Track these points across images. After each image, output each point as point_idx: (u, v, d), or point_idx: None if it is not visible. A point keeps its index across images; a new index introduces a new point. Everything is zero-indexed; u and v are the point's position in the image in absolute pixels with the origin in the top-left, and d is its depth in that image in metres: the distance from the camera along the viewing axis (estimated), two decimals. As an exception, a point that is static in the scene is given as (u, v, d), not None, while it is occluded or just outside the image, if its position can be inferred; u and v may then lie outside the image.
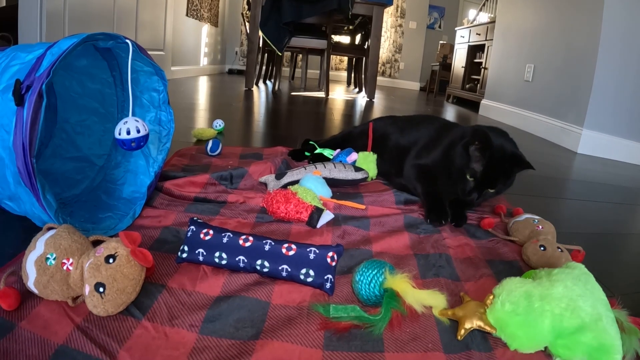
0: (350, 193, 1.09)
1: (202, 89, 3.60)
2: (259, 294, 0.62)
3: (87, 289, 0.53)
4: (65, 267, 0.54)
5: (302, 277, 0.64)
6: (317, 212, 0.87)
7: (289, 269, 0.65)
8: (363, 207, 0.98)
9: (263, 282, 0.66)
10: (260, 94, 3.47)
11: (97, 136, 0.97)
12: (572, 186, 1.64)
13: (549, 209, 1.24)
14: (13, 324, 0.51)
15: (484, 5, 5.14)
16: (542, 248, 0.80)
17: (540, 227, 0.89)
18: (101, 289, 0.52)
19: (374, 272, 0.62)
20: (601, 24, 2.25)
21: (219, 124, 1.72)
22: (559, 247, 0.81)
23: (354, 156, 1.25)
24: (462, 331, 0.58)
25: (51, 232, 0.57)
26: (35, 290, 0.54)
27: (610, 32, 2.25)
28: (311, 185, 1.00)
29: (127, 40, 0.74)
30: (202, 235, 0.69)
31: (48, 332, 0.50)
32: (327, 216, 0.90)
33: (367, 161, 1.21)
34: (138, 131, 0.73)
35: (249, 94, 3.29)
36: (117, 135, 0.73)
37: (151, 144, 0.90)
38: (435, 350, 0.55)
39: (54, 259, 0.54)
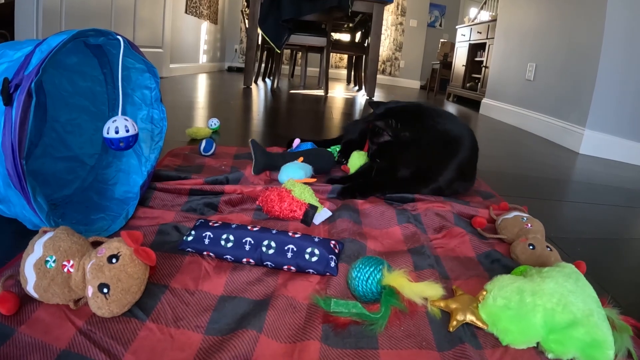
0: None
1: (201, 86, 3.58)
2: (261, 293, 0.62)
3: (90, 291, 0.51)
4: (65, 270, 0.53)
5: (307, 256, 0.67)
6: (311, 210, 0.87)
7: (295, 248, 0.67)
8: (314, 179, 1.05)
9: (265, 280, 0.65)
10: (259, 91, 3.45)
11: (88, 135, 0.95)
12: (574, 188, 1.62)
13: (550, 212, 1.22)
14: (13, 329, 0.49)
15: (485, 3, 5.11)
16: (531, 247, 0.79)
17: (529, 225, 0.87)
18: (105, 290, 0.51)
19: (371, 269, 0.62)
20: (604, 23, 2.23)
21: (214, 122, 1.70)
22: (548, 246, 0.80)
23: (300, 144, 1.36)
24: (455, 322, 0.58)
25: (49, 234, 0.56)
26: (35, 295, 0.53)
27: (613, 31, 2.22)
28: (290, 172, 1.06)
29: (119, 37, 0.72)
30: (210, 224, 0.73)
31: (49, 336, 0.49)
32: (324, 214, 0.89)
33: (361, 160, 1.22)
34: (127, 130, 0.71)
35: (247, 92, 3.27)
36: (105, 134, 0.71)
37: (143, 143, 0.89)
38: (428, 348, 0.55)
39: (54, 261, 0.53)
